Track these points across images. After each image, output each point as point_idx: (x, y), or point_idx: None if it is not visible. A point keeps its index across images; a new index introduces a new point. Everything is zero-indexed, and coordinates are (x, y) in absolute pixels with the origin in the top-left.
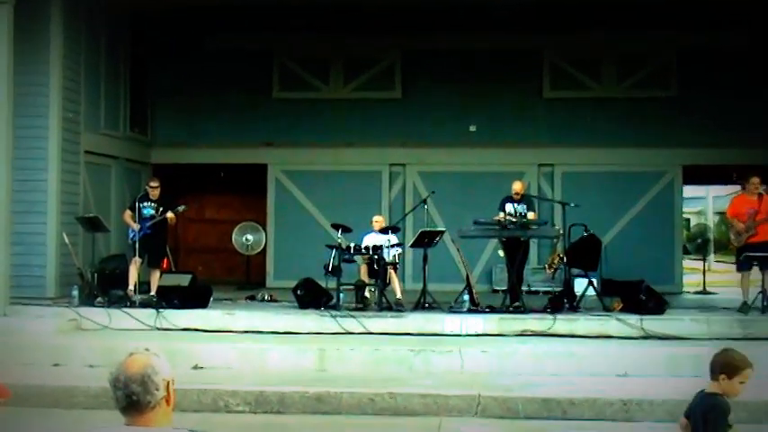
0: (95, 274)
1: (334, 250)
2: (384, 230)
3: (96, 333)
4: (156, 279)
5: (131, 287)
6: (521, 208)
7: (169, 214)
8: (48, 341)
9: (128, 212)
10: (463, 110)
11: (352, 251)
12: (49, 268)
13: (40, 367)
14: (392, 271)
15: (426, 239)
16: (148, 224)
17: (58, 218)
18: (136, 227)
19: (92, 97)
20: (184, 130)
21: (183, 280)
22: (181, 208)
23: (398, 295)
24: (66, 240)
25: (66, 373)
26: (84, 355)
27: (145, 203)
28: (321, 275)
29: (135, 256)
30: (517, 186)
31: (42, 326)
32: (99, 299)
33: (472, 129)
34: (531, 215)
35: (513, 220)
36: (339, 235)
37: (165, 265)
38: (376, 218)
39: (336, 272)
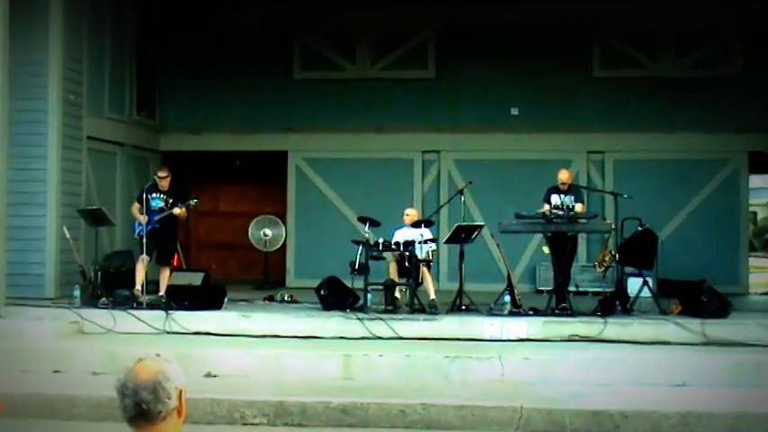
0: (99, 273)
1: (360, 246)
2: (416, 224)
3: (100, 337)
4: (165, 278)
5: (138, 287)
6: (568, 200)
7: (177, 210)
8: (47, 345)
9: (135, 205)
10: (504, 91)
11: (380, 247)
12: (48, 266)
13: (39, 374)
14: (425, 269)
15: (463, 234)
16: (157, 218)
17: (57, 211)
18: (143, 220)
19: (95, 78)
20: (196, 114)
21: (195, 279)
22: (192, 202)
23: (432, 296)
24: (67, 235)
25: (66, 381)
26: (86, 361)
27: (153, 195)
28: (346, 274)
29: (142, 252)
30: (564, 176)
31: (41, 329)
32: (103, 299)
33: (514, 112)
34: (578, 207)
35: (560, 213)
36: (366, 229)
37: (175, 263)
38: (407, 210)
39: (363, 270)
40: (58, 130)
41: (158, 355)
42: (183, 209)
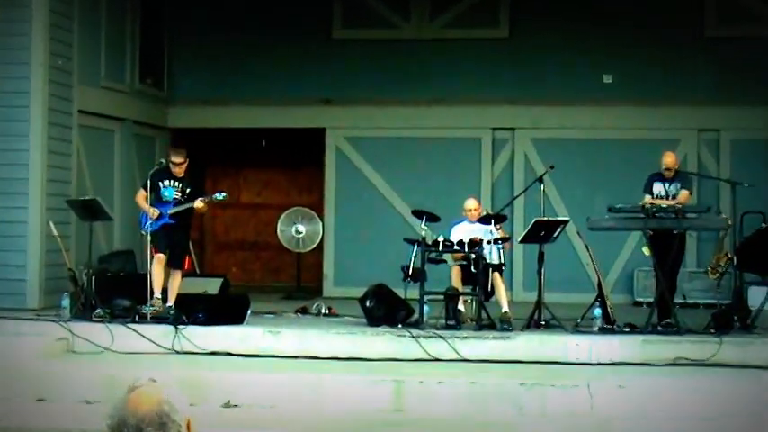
0: (93, 278)
1: (415, 246)
2: (485, 220)
3: (94, 357)
4: (175, 285)
5: (158, 293)
6: (673, 189)
7: (198, 203)
8: (30, 367)
9: (141, 193)
10: (594, 54)
11: (440, 248)
12: (30, 269)
13: (20, 402)
14: (496, 275)
15: (543, 232)
16: (171, 211)
17: (42, 202)
18: (153, 213)
19: (89, 39)
20: (213, 82)
21: (212, 286)
22: (219, 195)
23: (504, 308)
24: (54, 232)
25: (53, 411)
26: (77, 387)
27: (166, 182)
28: (398, 281)
29: (157, 250)
30: (669, 160)
31: (22, 347)
32: (98, 311)
33: (607, 80)
34: (683, 196)
35: (664, 205)
36: (423, 225)
37: (187, 265)
38: (473, 202)
39: (419, 276)
40: (42, 102)
41: (153, 381)
42: (201, 203)
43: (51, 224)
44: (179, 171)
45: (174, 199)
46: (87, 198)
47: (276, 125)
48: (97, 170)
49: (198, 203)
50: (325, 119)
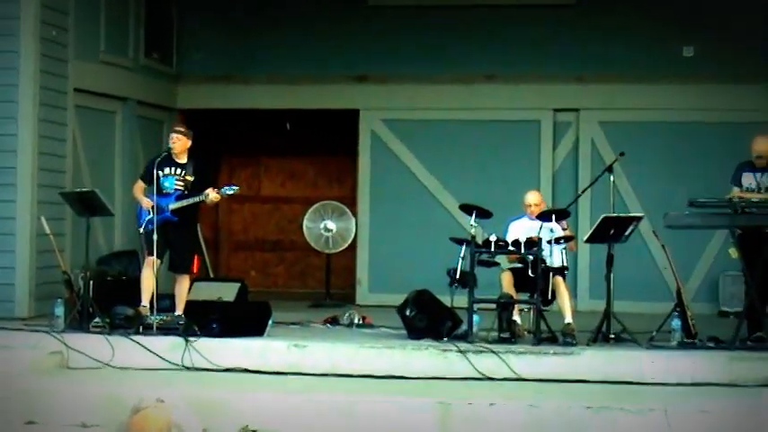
0: (91, 282)
1: (463, 246)
2: (545, 216)
3: (92, 374)
4: (183, 291)
5: (146, 302)
6: (767, 180)
7: (212, 195)
8: (18, 386)
9: (139, 184)
10: (672, 24)
11: (493, 248)
12: (19, 272)
13: (7, 425)
14: (558, 280)
15: (612, 230)
16: (172, 205)
17: (32, 194)
18: (147, 205)
19: (87, 7)
20: (229, 57)
21: (227, 292)
22: (230, 190)
23: (567, 319)
24: (46, 229)
25: None
26: (73, 408)
27: (165, 170)
28: (443, 286)
29: (150, 253)
30: (762, 146)
31: (9, 362)
32: (96, 320)
33: (687, 53)
34: None
35: (755, 199)
36: (472, 222)
37: (195, 269)
38: (530, 197)
39: (468, 281)
40: (33, 78)
41: (161, 401)
42: (217, 194)
43: (43, 220)
44: (178, 149)
45: (176, 190)
46: (84, 190)
47: (302, 106)
48: (96, 158)
49: (211, 195)
50: (359, 98)
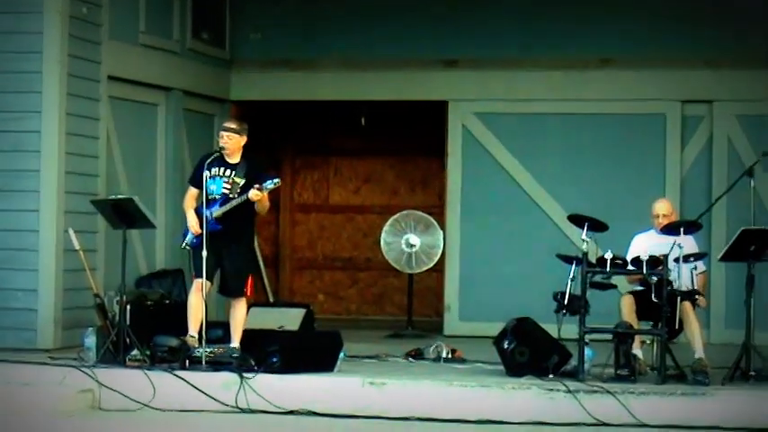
0: (128, 307)
1: (573, 265)
2: (671, 229)
3: (129, 416)
4: (239, 319)
5: (193, 331)
6: None
7: (251, 193)
8: (42, 429)
9: (190, 192)
10: None
11: (608, 268)
12: (43, 296)
13: None
14: (686, 306)
15: (753, 247)
16: (216, 211)
17: (59, 202)
18: (193, 224)
19: None
20: (293, 39)
21: (290, 319)
22: (270, 183)
23: (698, 353)
24: (75, 244)
25: None
26: None
27: (213, 172)
28: (549, 313)
29: (198, 275)
30: None
31: (31, 401)
32: (134, 353)
33: None
34: None
35: None
36: (584, 236)
37: (249, 292)
38: (660, 205)
39: (578, 307)
40: (59, 64)
41: None
42: (261, 193)
43: (71, 233)
44: (229, 146)
45: (223, 194)
46: (121, 197)
47: (379, 97)
48: (134, 159)
49: (251, 193)
50: (448, 88)
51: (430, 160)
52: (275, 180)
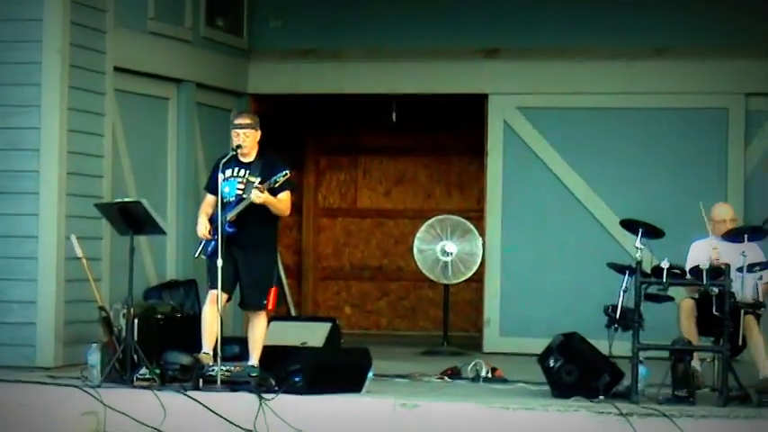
0: (136, 321)
1: (626, 276)
2: (734, 235)
3: None
4: (258, 334)
5: (208, 348)
6: None
7: (253, 194)
8: None
9: (207, 199)
10: None
11: (664, 278)
12: (42, 308)
13: None
14: (751, 321)
15: None
16: (229, 214)
17: (59, 206)
18: (203, 229)
19: None
20: (316, 25)
21: (313, 334)
22: (279, 175)
23: (764, 373)
24: (78, 251)
25: None
26: None
27: (227, 172)
28: (599, 328)
29: (213, 286)
30: None
31: (30, 424)
32: (143, 371)
33: None
34: None
35: None
36: (638, 243)
37: (270, 305)
38: (725, 210)
39: (631, 321)
40: (60, 54)
41: None
42: (263, 194)
43: (74, 240)
44: (247, 143)
45: (237, 196)
46: (128, 200)
47: (413, 90)
48: (143, 158)
49: (253, 195)
50: (489, 79)
51: (468, 159)
52: (283, 172)
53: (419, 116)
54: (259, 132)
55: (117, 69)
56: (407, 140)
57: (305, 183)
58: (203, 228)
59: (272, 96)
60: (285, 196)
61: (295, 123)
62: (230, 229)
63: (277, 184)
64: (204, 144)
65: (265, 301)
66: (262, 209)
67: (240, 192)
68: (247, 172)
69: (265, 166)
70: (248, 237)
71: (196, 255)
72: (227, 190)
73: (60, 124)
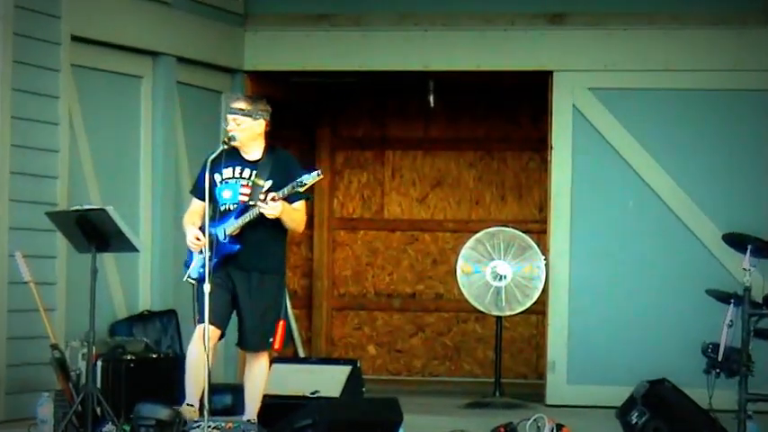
0: (99, 364)
1: (730, 306)
2: None
3: None
4: (260, 380)
5: (193, 399)
6: None
7: (262, 207)
8: None
9: (194, 205)
10: None
11: None
12: None
13: None
14: None
15: None
16: (229, 228)
17: (1, 213)
18: (194, 242)
19: None
20: None
21: (328, 381)
22: (308, 176)
23: None
24: (25, 273)
25: None
26: None
27: (225, 172)
28: (695, 372)
29: (201, 319)
30: None
31: None
32: (108, 428)
33: None
34: None
35: None
36: (746, 264)
37: (277, 344)
38: None
39: (736, 364)
40: (2, 21)
41: None
42: (279, 205)
43: (19, 259)
44: (245, 137)
45: (241, 203)
46: (90, 208)
47: (454, 67)
48: (109, 153)
49: (267, 206)
50: (553, 53)
51: (527, 156)
52: (313, 173)
53: (463, 100)
54: (262, 123)
55: (75, 39)
56: (448, 131)
57: (317, 186)
58: (194, 238)
59: (274, 74)
60: (301, 206)
61: (303, 109)
62: (234, 246)
63: (303, 189)
64: (188, 135)
65: (271, 339)
66: (272, 220)
67: (245, 197)
68: (252, 172)
69: (276, 165)
70: (252, 256)
71: (186, 278)
72: (226, 194)
73: (1, 110)
